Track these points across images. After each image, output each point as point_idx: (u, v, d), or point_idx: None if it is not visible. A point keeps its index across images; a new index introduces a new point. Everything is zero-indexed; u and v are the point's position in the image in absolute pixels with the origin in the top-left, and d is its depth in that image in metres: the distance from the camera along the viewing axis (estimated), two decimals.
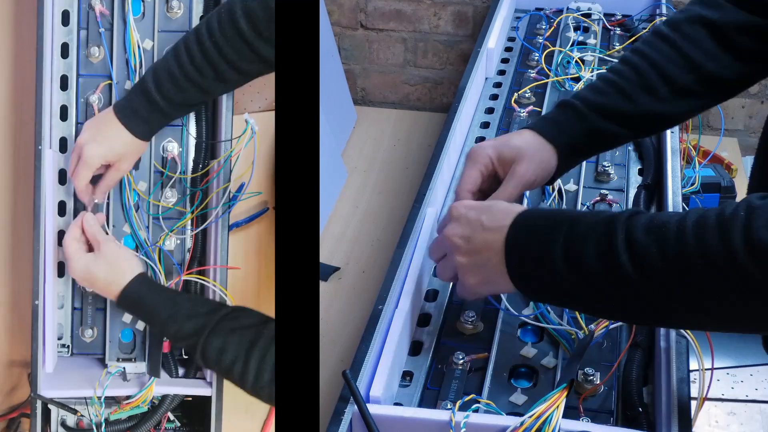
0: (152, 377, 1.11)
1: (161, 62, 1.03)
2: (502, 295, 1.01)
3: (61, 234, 1.12)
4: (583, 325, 0.95)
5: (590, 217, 0.82)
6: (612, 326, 0.96)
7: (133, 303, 1.03)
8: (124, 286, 1.03)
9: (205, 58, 0.99)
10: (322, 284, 1.33)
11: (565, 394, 0.84)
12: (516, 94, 1.43)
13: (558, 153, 1.01)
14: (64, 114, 1.12)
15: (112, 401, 1.13)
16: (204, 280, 1.14)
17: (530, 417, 0.81)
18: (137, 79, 1.10)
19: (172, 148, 1.13)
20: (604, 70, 1.07)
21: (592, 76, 1.46)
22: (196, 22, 1.13)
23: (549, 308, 0.99)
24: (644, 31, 1.61)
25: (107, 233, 1.11)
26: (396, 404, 0.91)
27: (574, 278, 0.80)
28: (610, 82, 1.02)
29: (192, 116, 1.14)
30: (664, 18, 1.61)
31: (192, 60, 1.00)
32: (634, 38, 1.60)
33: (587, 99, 1.02)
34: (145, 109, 1.03)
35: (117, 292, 1.03)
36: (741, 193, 1.57)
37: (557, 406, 0.82)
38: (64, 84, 1.12)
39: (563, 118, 1.02)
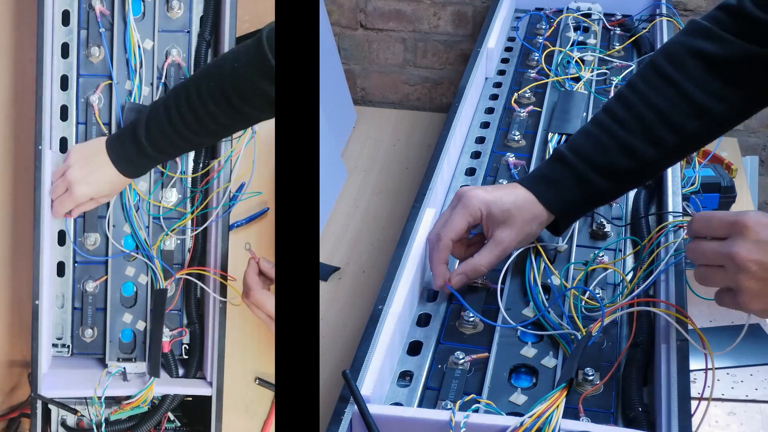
0: (152, 377, 1.11)
1: (153, 120, 1.04)
2: (500, 300, 1.01)
3: (61, 234, 1.13)
4: (581, 326, 0.95)
5: None
6: (605, 324, 0.95)
7: None
8: None
9: (198, 122, 1.01)
10: (322, 284, 1.33)
11: (565, 394, 0.84)
12: (516, 94, 1.43)
13: (556, 217, 1.01)
14: (64, 114, 1.12)
15: (113, 401, 1.13)
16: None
17: (530, 417, 0.81)
18: (137, 79, 1.11)
19: None
20: (603, 112, 1.00)
21: (592, 76, 1.46)
22: (196, 22, 1.14)
23: (548, 309, 0.99)
24: (644, 31, 1.61)
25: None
26: (396, 404, 0.91)
27: None
28: (612, 135, 0.98)
29: None
30: (664, 18, 1.61)
31: (186, 125, 1.02)
32: (633, 38, 1.60)
33: (589, 158, 0.99)
34: (138, 157, 1.06)
35: None
36: (741, 192, 1.57)
37: (557, 406, 0.82)
38: (64, 84, 1.12)
39: (564, 181, 0.99)
